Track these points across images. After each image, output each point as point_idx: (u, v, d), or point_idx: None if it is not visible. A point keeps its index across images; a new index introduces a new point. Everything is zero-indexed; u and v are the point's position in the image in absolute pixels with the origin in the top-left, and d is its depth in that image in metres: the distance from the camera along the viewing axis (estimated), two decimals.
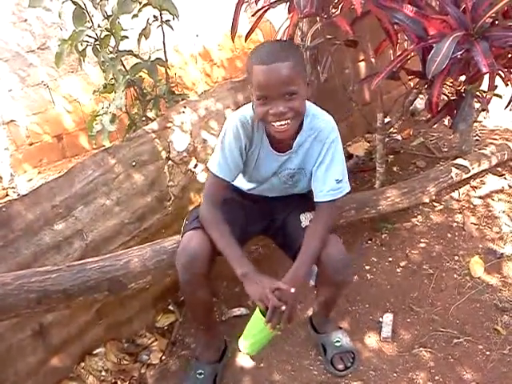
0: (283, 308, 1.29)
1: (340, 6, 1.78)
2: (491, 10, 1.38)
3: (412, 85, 2.02)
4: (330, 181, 1.43)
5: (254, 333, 1.38)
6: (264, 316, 1.32)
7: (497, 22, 1.62)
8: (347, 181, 1.47)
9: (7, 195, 3.13)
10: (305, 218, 1.53)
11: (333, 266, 1.44)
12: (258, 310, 1.35)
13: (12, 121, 3.05)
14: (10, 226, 1.50)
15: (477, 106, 2.19)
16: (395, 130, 3.11)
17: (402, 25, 1.50)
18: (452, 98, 1.86)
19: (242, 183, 1.61)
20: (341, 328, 1.73)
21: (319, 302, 1.67)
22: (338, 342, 1.65)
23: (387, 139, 2.98)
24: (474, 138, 2.88)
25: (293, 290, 1.31)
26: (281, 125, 1.30)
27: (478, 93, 1.94)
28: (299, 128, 1.41)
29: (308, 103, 1.41)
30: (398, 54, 1.57)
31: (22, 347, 1.55)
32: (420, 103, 3.12)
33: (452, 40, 1.33)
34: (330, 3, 1.70)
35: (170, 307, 1.95)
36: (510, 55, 1.69)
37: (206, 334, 1.65)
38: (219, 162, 1.44)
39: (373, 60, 2.03)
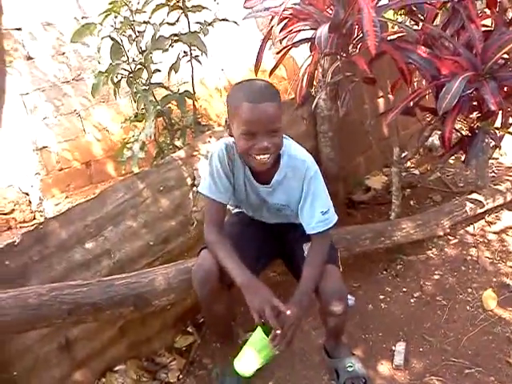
0: (278, 331, 1.34)
1: (359, 46, 1.89)
2: (499, 53, 1.47)
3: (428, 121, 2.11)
4: (316, 214, 1.50)
5: (255, 352, 1.42)
6: (266, 335, 1.37)
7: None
8: (333, 211, 1.54)
9: (34, 218, 3.26)
10: (307, 249, 1.59)
11: (329, 297, 1.51)
12: (259, 329, 1.40)
13: (44, 147, 3.21)
14: (45, 243, 1.60)
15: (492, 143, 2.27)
16: (413, 165, 3.20)
17: (416, 65, 1.61)
18: (465, 134, 1.94)
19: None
20: (354, 354, 1.78)
21: (326, 330, 1.72)
22: (350, 367, 1.69)
23: (405, 173, 3.06)
24: (491, 175, 2.94)
25: (288, 313, 1.36)
26: (262, 158, 1.40)
27: (492, 130, 2.02)
28: (277, 165, 1.50)
29: (286, 143, 1.50)
30: (412, 91, 1.67)
31: (47, 360, 1.62)
32: (438, 139, 3.20)
33: (462, 79, 1.43)
34: (349, 43, 1.81)
35: (189, 329, 2.01)
36: None
37: (224, 347, 1.73)
38: (210, 185, 1.52)
39: (390, 96, 2.13)
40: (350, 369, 1.69)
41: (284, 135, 1.50)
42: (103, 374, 1.78)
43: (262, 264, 1.69)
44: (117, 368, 1.79)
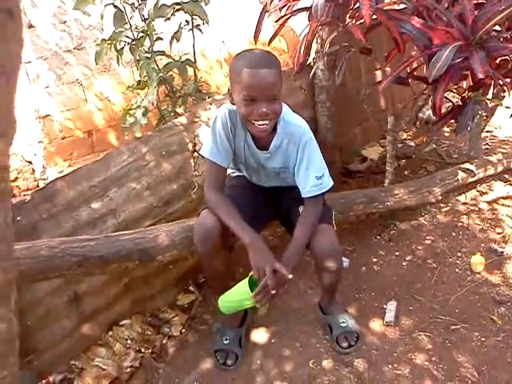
0: (273, 292, 1.44)
1: (355, 16, 1.94)
2: (489, 24, 1.53)
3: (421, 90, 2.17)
4: (311, 178, 1.57)
5: (236, 299, 1.55)
6: (251, 289, 1.47)
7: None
8: (328, 176, 1.60)
9: (38, 186, 3.32)
10: (302, 211, 1.66)
11: (323, 254, 1.61)
12: (247, 280, 1.50)
13: (47, 115, 3.25)
14: (53, 201, 1.68)
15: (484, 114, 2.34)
16: (409, 137, 3.27)
17: (410, 35, 1.66)
18: (457, 104, 2.00)
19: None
20: (347, 311, 1.87)
21: (321, 287, 1.82)
22: (343, 322, 1.79)
23: (401, 145, 3.13)
24: (484, 147, 3.00)
25: (290, 277, 1.46)
26: (261, 124, 1.45)
27: (484, 101, 2.08)
28: (274, 132, 1.56)
29: (283, 110, 1.55)
30: (404, 60, 1.72)
31: (58, 312, 1.72)
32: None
33: (452, 48, 1.49)
34: (346, 13, 1.86)
35: (191, 288, 2.11)
36: (510, 65, 1.83)
37: None
38: (211, 148, 1.58)
39: (388, 69, 2.19)
40: (343, 324, 1.79)
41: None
42: (110, 327, 1.88)
43: (259, 224, 1.75)
44: (122, 322, 1.89)
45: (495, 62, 1.89)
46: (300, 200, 1.65)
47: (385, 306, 1.92)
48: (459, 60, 1.56)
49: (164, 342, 1.87)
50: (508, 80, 1.95)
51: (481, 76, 1.47)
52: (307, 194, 1.59)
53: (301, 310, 1.94)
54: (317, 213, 1.62)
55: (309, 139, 1.57)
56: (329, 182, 1.61)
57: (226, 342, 1.77)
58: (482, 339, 1.74)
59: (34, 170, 3.40)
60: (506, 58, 1.88)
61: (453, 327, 1.80)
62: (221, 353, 1.76)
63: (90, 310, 1.81)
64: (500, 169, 2.58)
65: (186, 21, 2.42)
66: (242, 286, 1.51)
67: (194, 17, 2.37)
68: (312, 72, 2.33)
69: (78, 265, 1.45)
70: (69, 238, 1.52)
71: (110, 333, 1.86)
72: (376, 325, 1.86)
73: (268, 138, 1.57)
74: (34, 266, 1.40)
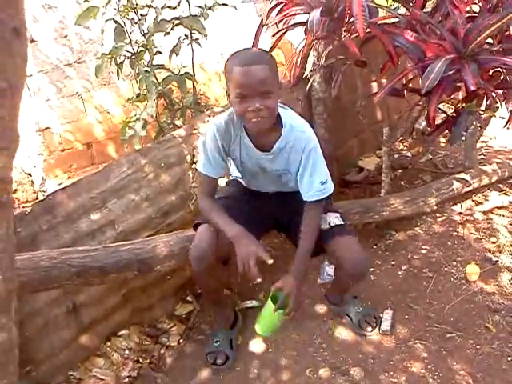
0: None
1: (350, 30, 1.98)
2: (480, 36, 1.57)
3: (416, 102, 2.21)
4: (315, 184, 1.59)
5: (269, 320, 1.59)
6: (274, 304, 1.52)
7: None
8: (331, 181, 1.62)
9: (37, 198, 3.34)
10: (324, 221, 1.67)
11: (352, 268, 1.63)
12: (270, 300, 1.55)
13: (47, 128, 3.29)
14: (53, 213, 1.71)
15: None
16: (406, 148, 3.30)
17: (403, 48, 1.71)
18: (451, 115, 2.04)
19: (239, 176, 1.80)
20: (356, 297, 1.95)
21: (338, 287, 1.91)
22: (358, 308, 1.90)
23: (397, 155, 3.17)
24: (480, 157, 3.04)
25: (270, 262, 1.48)
26: (256, 120, 1.45)
27: (477, 112, 2.12)
28: (279, 133, 1.56)
29: (289, 114, 1.59)
30: (399, 72, 1.76)
31: (57, 322, 1.74)
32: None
33: (444, 60, 1.53)
34: (341, 27, 1.90)
35: (188, 298, 2.13)
36: (502, 77, 1.86)
37: (216, 308, 1.90)
38: (204, 163, 1.62)
39: (384, 80, 2.22)
40: (358, 310, 1.90)
41: (285, 106, 1.61)
42: (108, 338, 1.89)
43: (255, 234, 1.75)
44: (121, 333, 1.91)
45: (487, 73, 1.93)
46: (302, 210, 1.65)
47: (381, 315, 1.94)
48: (451, 72, 1.60)
49: (162, 352, 1.89)
50: (500, 91, 2.00)
51: (472, 88, 1.51)
52: (310, 197, 1.61)
53: (297, 318, 1.95)
54: (318, 217, 1.64)
55: (314, 146, 1.58)
56: (331, 187, 1.63)
57: (216, 344, 1.82)
58: (477, 347, 1.76)
59: (33, 182, 3.43)
60: (499, 69, 1.92)
61: (448, 335, 1.82)
62: (211, 354, 1.81)
63: (88, 320, 1.83)
64: (495, 179, 2.61)
65: (185, 35, 2.47)
66: (268, 308, 1.55)
67: (192, 31, 2.42)
68: (309, 84, 2.37)
69: (77, 275, 1.48)
70: (68, 249, 1.55)
71: (108, 343, 1.88)
72: (372, 333, 1.88)
73: (271, 139, 1.58)
74: (34, 276, 1.42)
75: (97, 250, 1.55)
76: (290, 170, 1.64)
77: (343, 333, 1.89)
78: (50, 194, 1.73)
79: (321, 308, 1.99)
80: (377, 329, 1.87)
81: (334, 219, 1.68)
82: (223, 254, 1.66)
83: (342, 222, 1.69)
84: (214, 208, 1.62)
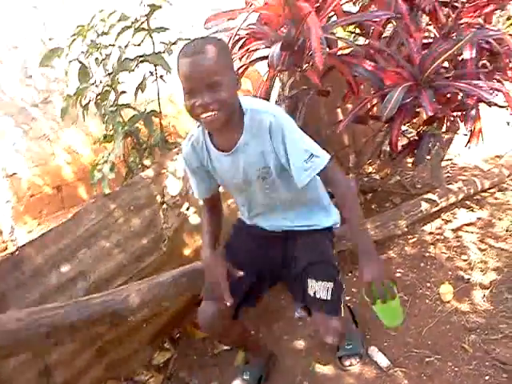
0: (228, 303, 1.46)
1: (311, 62, 2.03)
2: (434, 63, 1.63)
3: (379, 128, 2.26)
4: (300, 166, 1.38)
5: (384, 311, 1.45)
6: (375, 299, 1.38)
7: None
8: (318, 150, 1.40)
9: (6, 248, 3.26)
10: (311, 287, 1.52)
11: (328, 340, 1.53)
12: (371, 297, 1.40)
13: (14, 174, 3.24)
14: (21, 269, 1.68)
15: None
16: (374, 171, 3.36)
17: (362, 77, 1.76)
18: (413, 138, 2.10)
19: (243, 213, 1.70)
20: (354, 328, 1.94)
21: None
22: (347, 345, 1.87)
23: (366, 179, 3.22)
24: (446, 175, 3.11)
25: (229, 303, 1.46)
26: (207, 116, 1.30)
27: (439, 134, 2.18)
28: (241, 128, 1.40)
29: (250, 100, 1.43)
30: (360, 101, 1.82)
31: None
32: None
33: (402, 89, 1.59)
34: (302, 59, 1.93)
35: (166, 345, 2.10)
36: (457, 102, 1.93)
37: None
38: (194, 187, 1.61)
39: (349, 106, 2.27)
40: (347, 346, 1.86)
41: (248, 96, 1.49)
42: None
43: (264, 288, 1.70)
44: None
45: (445, 97, 1.99)
46: (310, 264, 1.54)
47: (368, 353, 1.90)
48: (410, 99, 1.65)
49: None
50: (459, 113, 2.07)
51: (430, 113, 1.56)
52: (302, 182, 1.41)
53: (277, 357, 1.95)
54: (339, 179, 1.44)
55: (282, 123, 1.37)
56: (321, 157, 1.39)
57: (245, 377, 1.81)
58: (456, 369, 1.78)
59: (1, 232, 3.34)
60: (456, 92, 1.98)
61: (427, 359, 1.84)
62: None
63: (62, 380, 1.77)
64: (461, 196, 2.67)
65: (150, 72, 2.48)
66: (378, 306, 1.41)
67: (157, 67, 2.43)
68: None
69: (46, 336, 1.44)
70: (37, 308, 1.51)
71: None
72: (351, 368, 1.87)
73: (234, 137, 1.42)
74: (1, 342, 1.38)
75: (67, 307, 1.52)
76: (269, 165, 1.45)
77: (324, 367, 1.88)
78: (17, 248, 1.70)
79: (299, 344, 1.99)
80: (356, 365, 1.85)
81: (321, 291, 1.51)
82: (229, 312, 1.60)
83: (329, 298, 1.51)
84: (203, 225, 1.64)
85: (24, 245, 1.77)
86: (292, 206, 1.60)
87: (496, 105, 2.02)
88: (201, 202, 1.74)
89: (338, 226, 1.70)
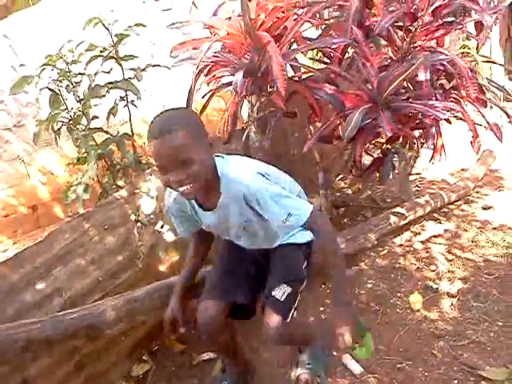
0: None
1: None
2: (391, 86, 1.73)
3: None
4: (280, 225, 1.47)
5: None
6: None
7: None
8: (297, 207, 1.46)
9: None
10: (279, 291, 1.60)
11: (265, 336, 1.61)
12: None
13: None
14: None
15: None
16: (346, 186, 3.45)
17: (324, 100, 1.85)
18: (378, 156, 2.19)
19: None
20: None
21: None
22: (309, 364, 1.85)
23: (338, 194, 3.31)
24: (415, 189, 3.23)
25: (182, 330, 1.65)
26: (183, 190, 1.35)
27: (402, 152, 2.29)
28: (218, 190, 1.47)
29: (225, 165, 1.46)
30: (322, 123, 1.90)
31: None
32: (368, 160, 3.49)
33: (360, 111, 1.67)
34: (266, 84, 2.02)
35: (144, 357, 2.10)
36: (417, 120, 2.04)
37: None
38: (178, 229, 1.68)
39: (319, 125, 2.35)
40: (308, 366, 1.85)
41: (222, 155, 1.51)
42: None
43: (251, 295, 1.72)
44: None
45: (406, 116, 2.09)
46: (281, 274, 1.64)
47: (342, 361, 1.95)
48: (369, 120, 1.74)
49: None
50: (421, 131, 2.17)
51: (389, 134, 1.65)
52: (286, 240, 1.65)
53: (254, 368, 1.97)
54: (321, 231, 1.50)
55: (255, 193, 1.44)
56: (303, 213, 1.45)
57: None
58: (426, 374, 1.84)
59: None
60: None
61: (398, 365, 1.89)
62: None
63: None
64: (428, 209, 2.77)
65: (121, 97, 2.54)
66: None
67: (127, 93, 2.50)
68: (245, 135, 2.48)
69: (22, 350, 1.45)
70: (13, 324, 1.52)
71: None
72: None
73: (213, 198, 1.49)
74: None
75: (43, 322, 1.53)
76: (250, 217, 1.53)
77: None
78: None
79: (276, 353, 2.02)
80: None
81: (278, 291, 1.60)
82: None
83: (282, 299, 1.59)
84: (188, 253, 1.74)
85: None
86: (270, 239, 1.69)
87: (449, 122, 2.14)
88: None
89: None
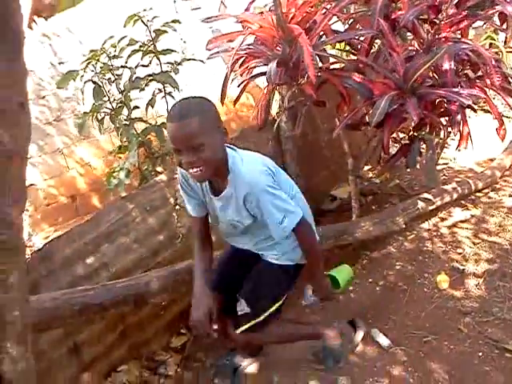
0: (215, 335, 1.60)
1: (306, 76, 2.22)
2: (416, 74, 1.82)
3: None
4: (274, 226, 1.57)
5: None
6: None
7: None
8: (290, 213, 1.57)
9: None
10: (239, 306, 1.70)
11: None
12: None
13: (31, 185, 3.42)
14: (51, 259, 1.84)
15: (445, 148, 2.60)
16: (374, 175, 3.53)
17: (353, 88, 1.94)
18: (405, 143, 2.28)
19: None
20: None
21: None
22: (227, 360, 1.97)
23: (367, 183, 3.39)
24: (442, 178, 3.29)
25: (215, 335, 1.61)
26: (194, 172, 1.44)
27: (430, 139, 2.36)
28: (227, 179, 1.53)
29: (236, 159, 1.53)
30: (350, 110, 2.00)
31: (59, 362, 1.84)
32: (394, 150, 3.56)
33: (387, 98, 1.77)
34: (297, 73, 2.12)
35: (182, 330, 2.25)
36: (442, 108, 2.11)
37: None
38: (187, 206, 1.71)
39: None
40: (226, 362, 1.97)
41: (235, 148, 1.58)
42: (109, 374, 1.99)
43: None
44: (120, 368, 2.01)
45: (433, 103, 2.17)
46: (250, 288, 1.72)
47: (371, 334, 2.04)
48: (396, 106, 1.83)
49: (161, 381, 1.99)
50: (446, 118, 2.24)
51: (415, 118, 1.74)
52: (277, 237, 1.64)
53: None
54: (303, 241, 1.66)
55: (257, 191, 1.52)
56: (295, 214, 1.58)
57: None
58: (451, 347, 1.92)
59: None
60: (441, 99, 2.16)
61: (425, 339, 1.98)
62: None
63: (89, 358, 1.93)
64: (455, 196, 2.83)
65: (159, 89, 2.69)
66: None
67: (165, 85, 2.64)
68: (276, 124, 2.59)
69: (79, 313, 1.60)
70: (70, 290, 1.68)
71: (109, 379, 1.98)
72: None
73: (221, 186, 1.57)
74: (39, 317, 1.54)
75: (95, 289, 1.68)
76: (241, 221, 1.61)
77: None
78: (47, 242, 1.86)
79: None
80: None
81: (239, 306, 1.70)
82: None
83: (248, 311, 1.69)
84: (195, 254, 1.71)
85: (52, 240, 1.93)
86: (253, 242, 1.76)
87: (474, 110, 2.20)
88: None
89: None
